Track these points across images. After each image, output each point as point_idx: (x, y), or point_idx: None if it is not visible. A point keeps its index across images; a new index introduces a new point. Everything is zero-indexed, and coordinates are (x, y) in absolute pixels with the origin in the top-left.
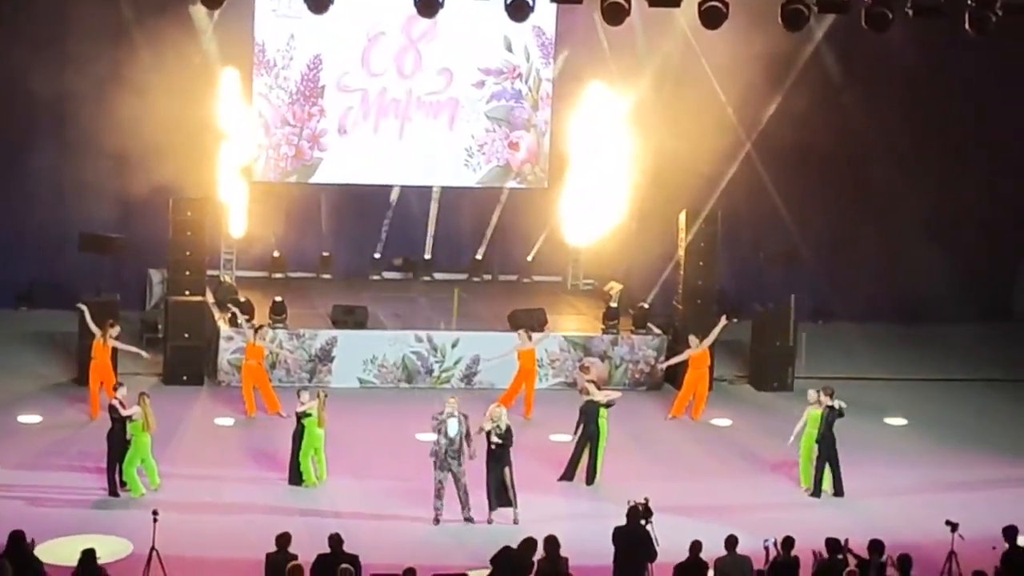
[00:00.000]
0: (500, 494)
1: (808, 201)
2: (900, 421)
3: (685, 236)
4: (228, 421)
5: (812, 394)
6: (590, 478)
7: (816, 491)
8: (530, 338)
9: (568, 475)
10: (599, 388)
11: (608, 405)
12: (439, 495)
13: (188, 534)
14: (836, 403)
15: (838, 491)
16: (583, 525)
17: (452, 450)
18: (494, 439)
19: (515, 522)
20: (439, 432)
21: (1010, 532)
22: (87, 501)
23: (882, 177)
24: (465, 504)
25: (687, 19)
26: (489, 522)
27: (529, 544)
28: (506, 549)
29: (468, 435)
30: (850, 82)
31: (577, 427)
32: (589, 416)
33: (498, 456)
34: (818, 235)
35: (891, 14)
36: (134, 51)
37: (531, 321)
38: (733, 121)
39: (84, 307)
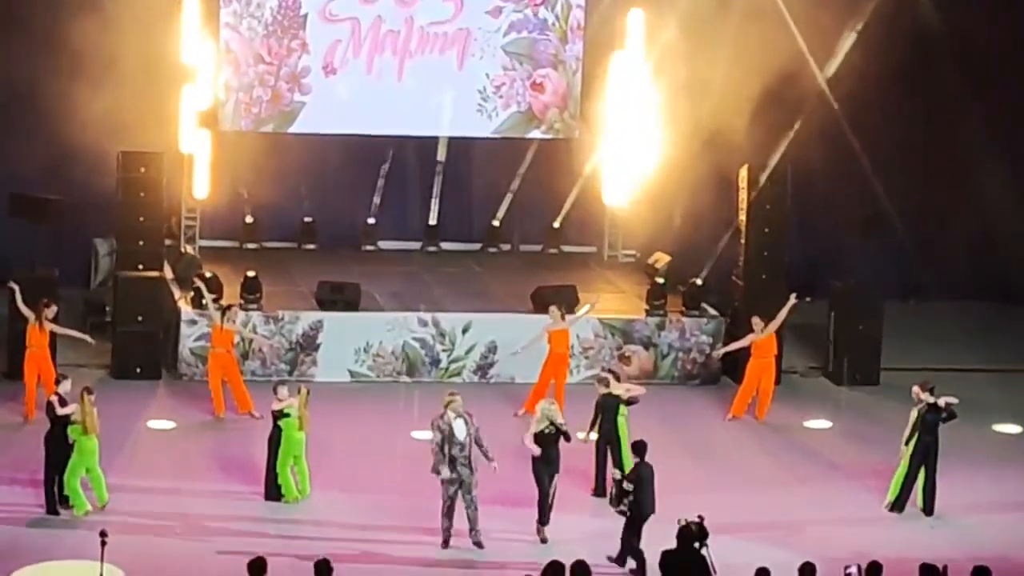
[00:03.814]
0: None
1: (897, 155)
2: (1013, 428)
3: (747, 197)
4: (192, 423)
5: (916, 390)
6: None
7: (899, 505)
8: (563, 316)
9: (600, 490)
10: (619, 380)
11: (630, 402)
12: (449, 513)
13: (143, 560)
14: (941, 400)
15: (927, 508)
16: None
17: (463, 456)
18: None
19: (543, 541)
20: (444, 437)
21: (639, 447)
22: (19, 520)
23: (981, 125)
24: (474, 524)
25: None
26: (543, 541)
27: (555, 570)
28: None
29: (480, 438)
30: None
31: (593, 423)
32: (606, 412)
33: (550, 460)
34: (908, 196)
35: None
36: None
37: (560, 301)
38: (806, 56)
39: (15, 287)
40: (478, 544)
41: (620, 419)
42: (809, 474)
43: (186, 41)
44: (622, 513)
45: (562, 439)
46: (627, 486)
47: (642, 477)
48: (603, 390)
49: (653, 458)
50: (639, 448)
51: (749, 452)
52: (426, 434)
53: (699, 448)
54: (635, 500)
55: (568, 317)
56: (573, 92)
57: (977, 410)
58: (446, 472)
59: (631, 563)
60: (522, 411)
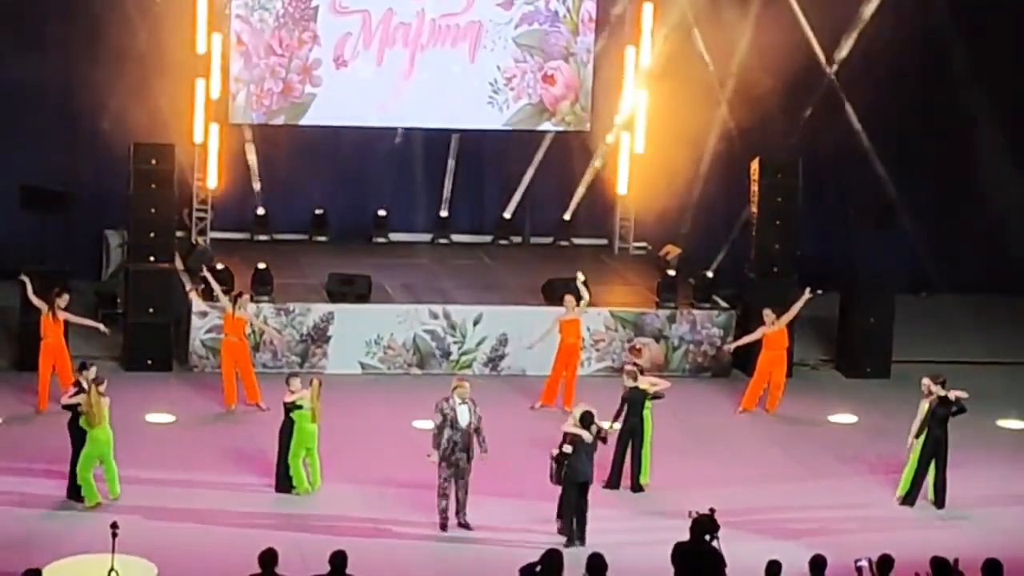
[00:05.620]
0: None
1: (908, 147)
2: (1019, 424)
3: (758, 189)
4: (203, 414)
5: (926, 383)
6: (635, 483)
7: (911, 499)
8: (576, 306)
9: (613, 482)
10: (643, 374)
11: (656, 397)
12: (445, 495)
13: (154, 551)
14: (951, 394)
15: (939, 501)
16: (634, 541)
17: (463, 443)
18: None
19: (560, 532)
20: (445, 421)
21: (586, 418)
22: (32, 510)
23: (993, 118)
24: (462, 507)
25: None
26: (559, 531)
27: (553, 558)
28: (529, 569)
29: (480, 427)
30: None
31: (617, 415)
32: (632, 406)
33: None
34: (920, 189)
35: None
36: None
37: (570, 293)
38: (814, 47)
39: (26, 278)
40: (465, 526)
41: (646, 412)
42: (820, 467)
43: (199, 33)
44: (561, 483)
45: (599, 442)
46: (566, 449)
47: (578, 443)
48: (630, 384)
49: (663, 452)
50: (586, 419)
51: (760, 445)
52: (426, 423)
53: (710, 441)
54: (571, 465)
55: (576, 309)
56: (584, 84)
57: (985, 404)
58: (436, 456)
59: (557, 523)
60: (539, 404)
